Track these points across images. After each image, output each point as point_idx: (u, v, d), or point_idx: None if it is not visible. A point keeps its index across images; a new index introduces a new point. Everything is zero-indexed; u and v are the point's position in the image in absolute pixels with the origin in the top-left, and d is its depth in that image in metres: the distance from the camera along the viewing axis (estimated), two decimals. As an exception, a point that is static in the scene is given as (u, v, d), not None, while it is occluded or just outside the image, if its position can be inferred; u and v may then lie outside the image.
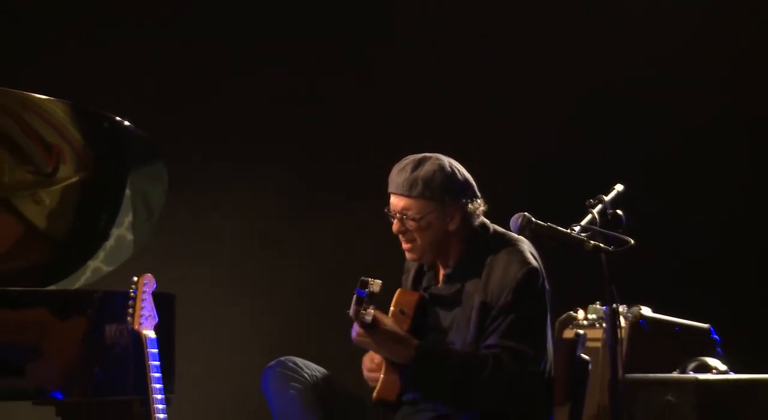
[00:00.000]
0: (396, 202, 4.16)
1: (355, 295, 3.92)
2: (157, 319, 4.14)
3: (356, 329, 3.99)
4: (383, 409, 4.14)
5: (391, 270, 4.35)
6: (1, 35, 6.07)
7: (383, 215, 4.28)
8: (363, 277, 3.91)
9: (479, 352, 3.97)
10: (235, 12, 6.61)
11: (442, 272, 4.19)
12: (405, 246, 4.16)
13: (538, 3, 6.98)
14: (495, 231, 4.17)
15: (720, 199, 6.94)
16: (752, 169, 7.07)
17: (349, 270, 4.37)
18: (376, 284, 3.90)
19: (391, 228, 4.20)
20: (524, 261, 4.05)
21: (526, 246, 4.10)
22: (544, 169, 6.78)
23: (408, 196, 4.12)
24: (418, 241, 4.12)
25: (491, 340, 3.97)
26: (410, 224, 4.11)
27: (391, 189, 4.19)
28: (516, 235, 4.09)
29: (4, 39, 6.09)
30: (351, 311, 3.93)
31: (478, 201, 4.14)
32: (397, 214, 4.16)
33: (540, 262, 4.10)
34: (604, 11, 7.00)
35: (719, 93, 7.04)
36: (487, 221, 4.18)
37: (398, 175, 4.16)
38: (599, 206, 4.24)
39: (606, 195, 4.32)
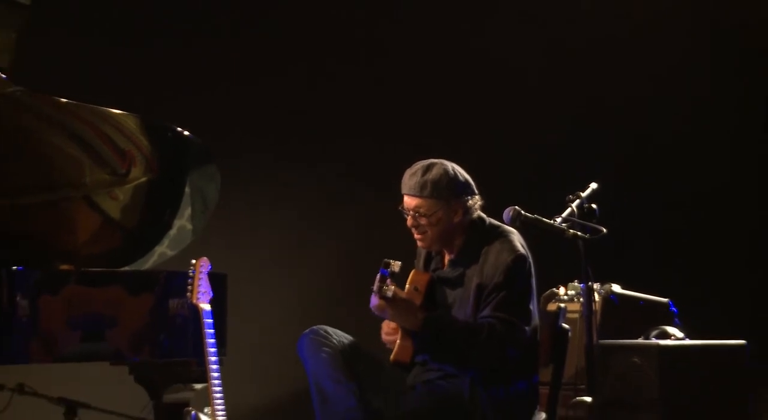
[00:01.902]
0: (409, 201, 4.20)
1: (379, 274, 4.00)
2: (211, 295, 4.17)
3: (375, 301, 4.05)
4: (399, 369, 4.17)
5: (408, 254, 4.38)
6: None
7: (400, 209, 4.22)
8: (386, 259, 4.01)
9: (477, 321, 4.01)
10: (279, 13, 6.49)
11: (447, 258, 4.27)
12: (417, 237, 4.22)
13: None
14: (490, 224, 4.24)
15: (674, 192, 6.98)
16: (698, 159, 7.11)
17: (372, 254, 4.36)
18: (396, 265, 4.00)
19: (405, 222, 4.23)
20: (513, 249, 4.11)
21: (516, 237, 4.18)
22: (533, 169, 6.79)
23: (419, 197, 4.17)
24: (429, 233, 4.18)
25: (486, 312, 4.03)
26: (422, 220, 4.17)
27: (404, 190, 4.23)
28: (507, 227, 4.16)
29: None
30: (375, 287, 4.01)
31: (476, 197, 4.21)
32: (411, 212, 4.20)
33: (527, 249, 4.15)
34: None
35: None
36: (483, 215, 4.24)
37: (410, 178, 4.20)
38: (577, 201, 4.25)
39: (583, 192, 4.33)
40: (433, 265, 4.33)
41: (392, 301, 4.00)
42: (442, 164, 4.19)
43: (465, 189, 4.18)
